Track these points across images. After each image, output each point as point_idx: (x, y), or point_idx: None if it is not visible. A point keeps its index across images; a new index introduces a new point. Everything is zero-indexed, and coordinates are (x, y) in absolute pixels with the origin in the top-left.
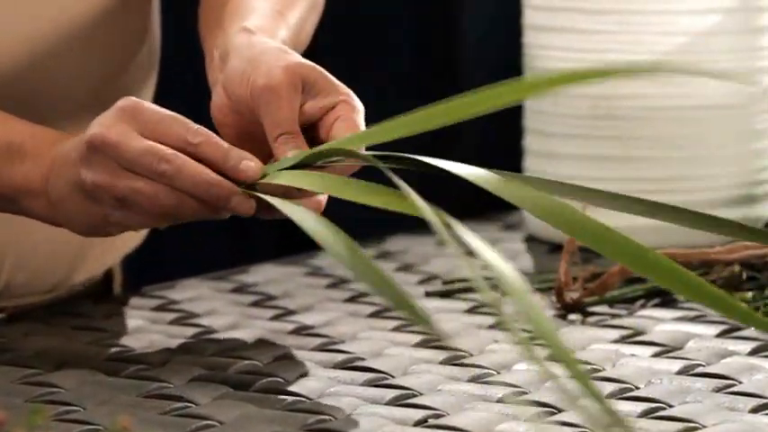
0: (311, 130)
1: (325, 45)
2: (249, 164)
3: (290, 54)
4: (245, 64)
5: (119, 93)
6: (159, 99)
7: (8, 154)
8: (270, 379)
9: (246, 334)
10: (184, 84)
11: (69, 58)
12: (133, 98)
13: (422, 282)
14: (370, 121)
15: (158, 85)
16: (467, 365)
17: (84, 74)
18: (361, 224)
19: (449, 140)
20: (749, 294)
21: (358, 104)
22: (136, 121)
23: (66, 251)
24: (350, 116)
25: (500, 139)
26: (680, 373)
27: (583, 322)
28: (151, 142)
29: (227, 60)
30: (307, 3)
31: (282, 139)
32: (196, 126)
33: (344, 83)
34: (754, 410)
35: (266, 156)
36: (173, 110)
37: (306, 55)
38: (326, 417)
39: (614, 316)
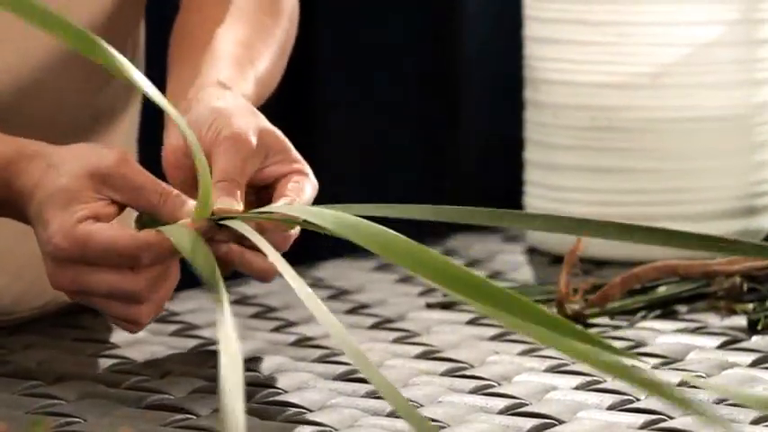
0: (264, 193)
1: (324, 56)
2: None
3: (259, 118)
4: (215, 114)
5: (100, 114)
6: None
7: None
8: (270, 390)
9: (247, 345)
10: None
11: (51, 83)
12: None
13: (423, 293)
14: (368, 122)
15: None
16: (467, 377)
17: (64, 98)
18: None
19: (451, 151)
20: (750, 306)
21: (312, 178)
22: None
23: None
24: (301, 182)
25: (500, 151)
26: (681, 384)
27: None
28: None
29: (193, 108)
30: (277, 48)
31: (221, 185)
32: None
33: (344, 93)
34: (755, 422)
35: None
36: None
37: (304, 61)
38: (327, 428)
39: (615, 327)
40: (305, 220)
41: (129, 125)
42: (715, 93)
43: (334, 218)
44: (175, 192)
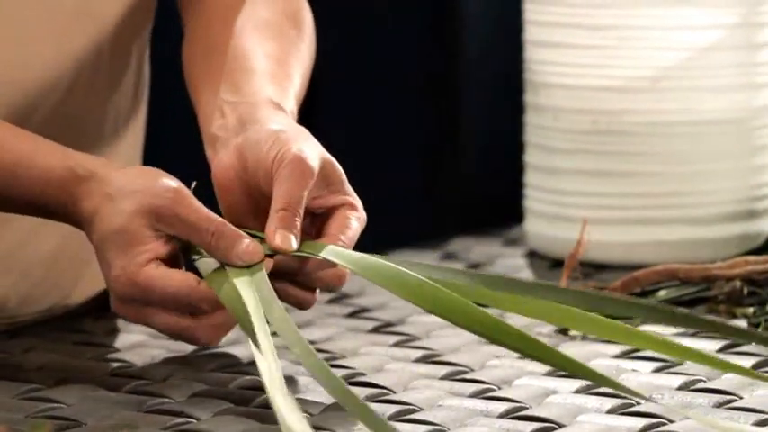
0: (315, 220)
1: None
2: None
3: (319, 145)
4: (275, 137)
5: (102, 126)
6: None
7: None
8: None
9: (247, 350)
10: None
11: (82, 82)
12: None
13: None
14: (369, 125)
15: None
16: (467, 381)
17: (90, 98)
18: (362, 240)
19: (451, 155)
20: (750, 310)
21: (362, 216)
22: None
23: (65, 270)
24: (349, 218)
25: (501, 154)
26: (681, 388)
27: (584, 337)
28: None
29: (249, 127)
30: (305, 61)
31: (283, 214)
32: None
33: (344, 97)
34: (755, 425)
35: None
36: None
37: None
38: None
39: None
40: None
41: (136, 134)
42: (715, 96)
43: (377, 270)
44: (228, 229)
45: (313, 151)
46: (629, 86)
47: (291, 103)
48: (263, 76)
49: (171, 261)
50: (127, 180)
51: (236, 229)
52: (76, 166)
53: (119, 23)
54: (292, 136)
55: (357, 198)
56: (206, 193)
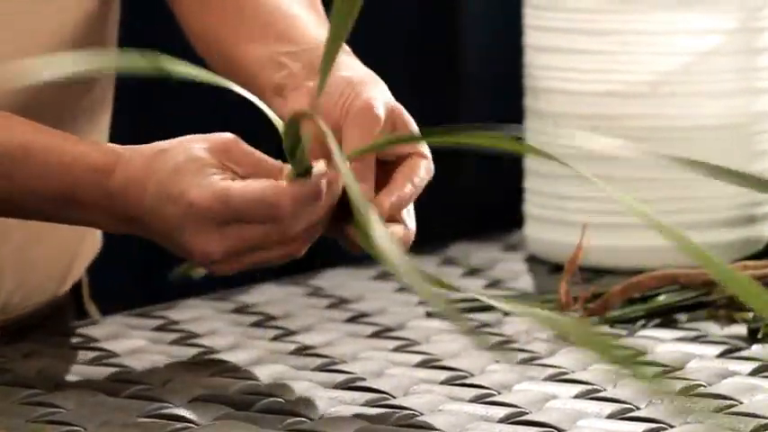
0: (385, 167)
1: None
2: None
3: (386, 91)
4: (344, 84)
5: (77, 119)
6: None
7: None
8: (271, 399)
9: (247, 354)
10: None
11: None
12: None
13: (423, 302)
14: None
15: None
16: (468, 386)
17: (42, 105)
18: None
19: (451, 160)
20: (750, 315)
21: (431, 164)
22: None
23: (63, 264)
24: (418, 165)
25: (500, 159)
26: (681, 393)
27: None
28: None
29: (315, 71)
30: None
31: (355, 165)
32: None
33: None
34: (756, 431)
35: None
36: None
37: None
38: None
39: (615, 336)
40: None
41: (106, 125)
42: (715, 101)
43: None
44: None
45: (379, 97)
46: (629, 91)
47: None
48: (309, 22)
49: None
50: (175, 140)
51: None
52: (112, 147)
53: (84, 16)
54: (362, 81)
55: (426, 147)
56: None
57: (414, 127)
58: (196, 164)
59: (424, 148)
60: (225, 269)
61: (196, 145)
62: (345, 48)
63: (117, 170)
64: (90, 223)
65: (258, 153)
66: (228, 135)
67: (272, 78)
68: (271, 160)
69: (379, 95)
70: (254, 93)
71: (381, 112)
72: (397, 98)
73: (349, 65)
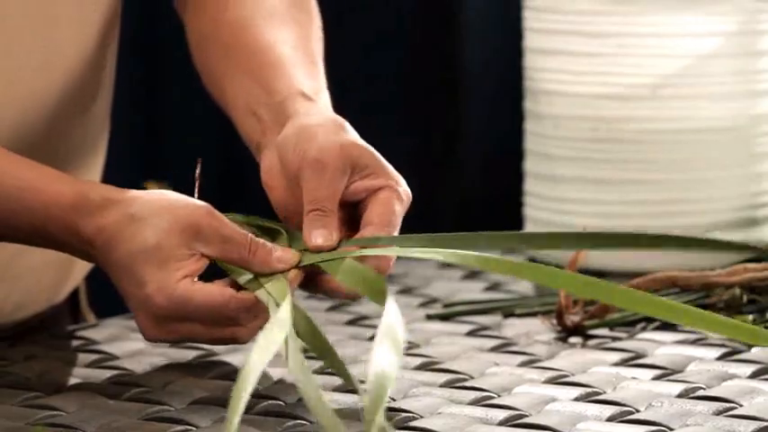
0: (354, 208)
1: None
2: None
3: (346, 131)
4: (301, 132)
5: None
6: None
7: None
8: (270, 402)
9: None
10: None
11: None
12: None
13: (422, 305)
14: (363, 137)
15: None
16: (467, 388)
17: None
18: None
19: (451, 163)
20: (750, 317)
21: (403, 193)
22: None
23: (54, 275)
24: (389, 202)
25: (501, 162)
26: (680, 396)
27: (583, 345)
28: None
29: (284, 125)
30: (320, 43)
31: (313, 215)
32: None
33: (344, 105)
34: None
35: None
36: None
37: None
38: None
39: (615, 339)
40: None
41: (104, 147)
42: (715, 104)
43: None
44: (262, 241)
45: (333, 141)
46: (629, 94)
47: (322, 87)
48: (290, 68)
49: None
50: (149, 199)
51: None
52: (89, 192)
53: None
54: (315, 132)
55: (395, 175)
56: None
57: (377, 156)
58: (162, 254)
59: (391, 178)
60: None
61: (166, 222)
62: (306, 95)
63: (87, 216)
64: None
65: (228, 228)
66: (201, 210)
67: (251, 132)
68: (239, 233)
69: (333, 140)
70: (241, 136)
71: (335, 157)
72: (397, 102)
73: (309, 112)
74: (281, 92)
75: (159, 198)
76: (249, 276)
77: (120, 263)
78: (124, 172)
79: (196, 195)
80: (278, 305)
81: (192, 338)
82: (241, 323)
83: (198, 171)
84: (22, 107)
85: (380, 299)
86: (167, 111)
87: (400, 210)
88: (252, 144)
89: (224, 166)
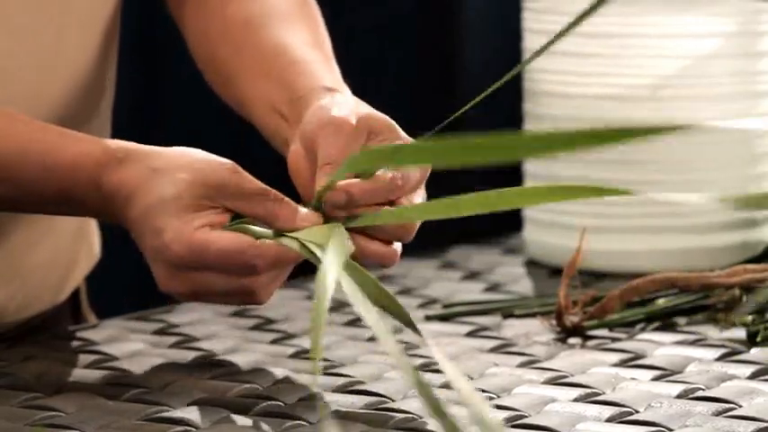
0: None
1: None
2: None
3: (365, 106)
4: (319, 108)
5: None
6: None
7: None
8: (270, 402)
9: (246, 358)
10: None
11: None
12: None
13: (422, 305)
14: None
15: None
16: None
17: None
18: None
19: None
20: (749, 318)
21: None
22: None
23: (58, 275)
24: (403, 173)
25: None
26: (680, 396)
27: (583, 346)
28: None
29: (306, 116)
30: (326, 32)
31: (327, 168)
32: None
33: None
34: None
35: None
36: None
37: None
38: None
39: (614, 339)
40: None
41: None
42: (714, 105)
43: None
44: (287, 199)
45: (348, 109)
46: (628, 95)
47: (341, 83)
48: (310, 66)
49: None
50: (173, 155)
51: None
52: (112, 148)
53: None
54: (331, 105)
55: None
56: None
57: (393, 124)
58: (181, 204)
59: (409, 142)
60: (182, 300)
61: (189, 176)
62: (328, 88)
63: (110, 171)
64: (93, 217)
65: (254, 183)
66: (225, 166)
67: (279, 130)
68: (265, 189)
69: (348, 108)
70: (264, 134)
71: (350, 118)
72: (397, 102)
73: (329, 97)
74: (304, 88)
75: (183, 153)
76: (270, 233)
77: (140, 215)
78: None
79: None
80: (315, 248)
81: (207, 290)
82: (259, 271)
83: None
84: (27, 108)
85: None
86: (167, 110)
87: (422, 177)
88: (278, 141)
89: None
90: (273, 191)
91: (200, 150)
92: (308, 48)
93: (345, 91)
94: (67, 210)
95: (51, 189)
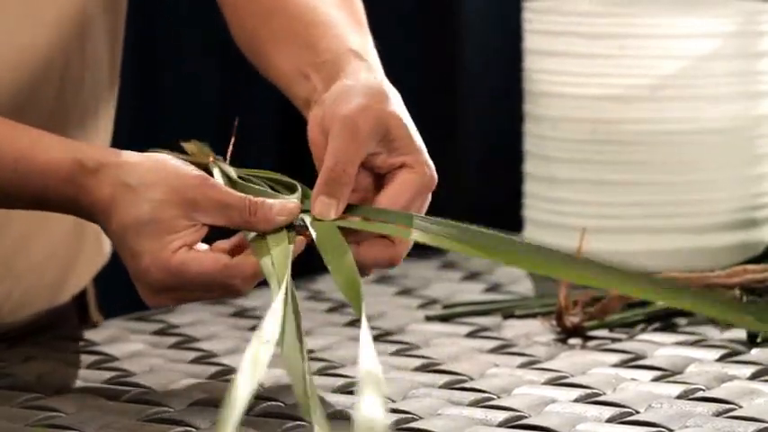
0: (379, 178)
1: None
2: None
3: (389, 100)
4: (344, 91)
5: (85, 114)
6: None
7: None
8: (270, 403)
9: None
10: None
11: (29, 83)
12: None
13: (422, 306)
14: None
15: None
16: (467, 389)
17: (41, 97)
18: None
19: (451, 164)
20: (749, 318)
21: (429, 177)
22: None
23: (55, 274)
24: (405, 185)
25: (500, 164)
26: (680, 397)
27: (583, 346)
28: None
29: (334, 82)
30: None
31: (328, 175)
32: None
33: None
34: None
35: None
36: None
37: None
38: None
39: (614, 340)
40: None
41: (110, 117)
42: (715, 105)
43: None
44: (260, 199)
45: (367, 105)
46: (628, 95)
47: (370, 45)
48: (337, 27)
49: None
50: (145, 169)
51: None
52: (84, 158)
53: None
54: (356, 93)
55: (424, 156)
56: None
57: (408, 133)
58: (158, 227)
59: (417, 157)
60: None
61: (161, 194)
62: (355, 52)
63: (82, 183)
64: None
65: (225, 194)
66: (195, 181)
67: (300, 92)
68: (237, 197)
69: (367, 104)
70: (291, 100)
71: (364, 120)
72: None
73: (357, 72)
74: (330, 50)
75: (155, 166)
76: (254, 234)
77: (118, 233)
78: None
79: (229, 155)
80: (278, 281)
81: (192, 300)
82: (238, 288)
83: (234, 127)
84: (11, 63)
85: (356, 304)
86: (167, 110)
87: (417, 193)
88: (300, 102)
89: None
90: (247, 197)
91: (169, 159)
92: (336, 9)
93: (372, 56)
94: (47, 209)
95: (27, 195)
